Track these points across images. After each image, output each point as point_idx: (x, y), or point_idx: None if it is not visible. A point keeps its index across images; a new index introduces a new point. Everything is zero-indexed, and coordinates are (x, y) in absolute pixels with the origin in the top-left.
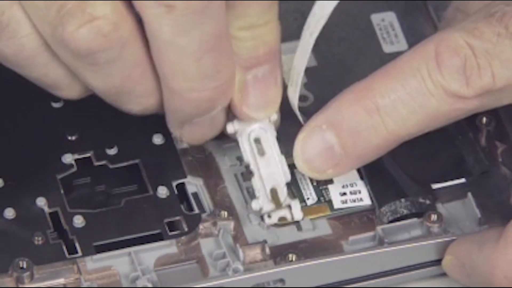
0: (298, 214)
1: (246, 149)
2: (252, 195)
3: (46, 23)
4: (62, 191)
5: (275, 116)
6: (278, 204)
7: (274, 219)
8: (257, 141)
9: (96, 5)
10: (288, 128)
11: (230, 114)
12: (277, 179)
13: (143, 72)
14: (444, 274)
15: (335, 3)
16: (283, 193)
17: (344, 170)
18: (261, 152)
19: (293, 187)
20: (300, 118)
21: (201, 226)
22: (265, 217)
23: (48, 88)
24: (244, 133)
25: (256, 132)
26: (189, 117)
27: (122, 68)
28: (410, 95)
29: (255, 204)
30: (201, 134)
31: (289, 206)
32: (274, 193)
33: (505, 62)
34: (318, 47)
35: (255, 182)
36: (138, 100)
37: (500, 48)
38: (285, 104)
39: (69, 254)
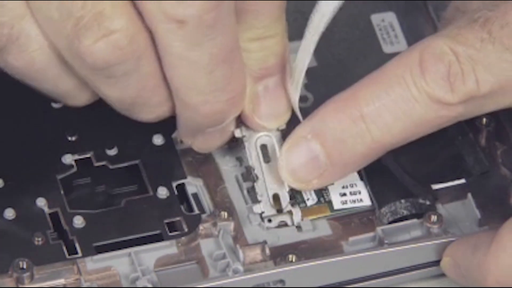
0: (298, 220)
1: (252, 155)
2: (252, 195)
3: (62, 36)
4: (62, 192)
5: (283, 125)
6: (279, 210)
7: (275, 223)
8: (263, 147)
9: (113, 18)
10: (289, 128)
11: (238, 119)
12: (280, 186)
13: (157, 82)
14: (443, 275)
15: (339, 3)
16: (285, 199)
17: (330, 180)
18: (267, 159)
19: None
20: (300, 117)
21: (201, 227)
22: (266, 220)
23: (58, 98)
24: (252, 139)
25: (263, 139)
26: (202, 127)
27: (138, 79)
28: (394, 102)
29: (256, 208)
30: (213, 142)
31: (290, 212)
32: (276, 199)
33: (489, 67)
34: (318, 47)
35: (258, 187)
36: (151, 109)
37: (484, 54)
38: None
39: (69, 254)
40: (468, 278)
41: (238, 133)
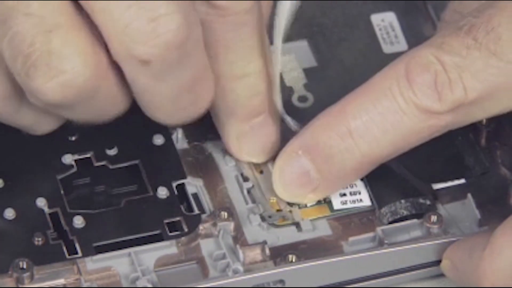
0: (298, 218)
1: (245, 166)
2: (252, 195)
3: (15, 73)
4: (62, 192)
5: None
6: (278, 210)
7: (275, 219)
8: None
9: (64, 57)
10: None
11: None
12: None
13: (120, 99)
14: (443, 275)
15: (294, 2)
16: (282, 202)
17: (325, 194)
18: (260, 170)
19: None
20: (290, 122)
21: (201, 227)
22: (266, 217)
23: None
24: None
25: None
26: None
27: (99, 106)
28: (382, 115)
29: (255, 209)
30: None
31: (290, 212)
32: (274, 204)
33: (476, 74)
34: (318, 47)
35: (255, 192)
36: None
37: (470, 60)
38: (285, 103)
39: (69, 254)
40: (466, 280)
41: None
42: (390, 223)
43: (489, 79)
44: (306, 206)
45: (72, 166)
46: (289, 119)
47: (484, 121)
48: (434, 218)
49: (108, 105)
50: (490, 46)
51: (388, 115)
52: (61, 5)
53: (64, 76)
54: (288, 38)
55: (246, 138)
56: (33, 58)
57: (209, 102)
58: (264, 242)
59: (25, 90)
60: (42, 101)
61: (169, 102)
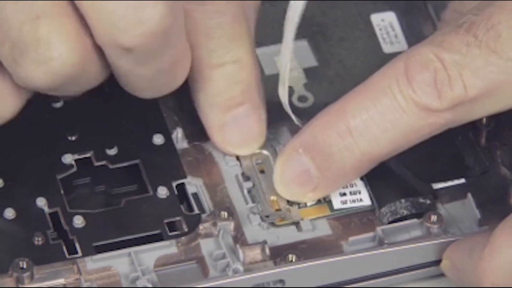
0: (297, 218)
1: (248, 166)
2: (252, 195)
3: (2, 57)
4: (62, 191)
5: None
6: (278, 210)
7: (274, 218)
8: (258, 162)
9: (50, 45)
10: (286, 128)
11: None
12: (276, 192)
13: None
14: (443, 275)
15: (304, 2)
16: (283, 202)
17: (325, 193)
18: (262, 170)
19: None
20: (294, 117)
21: (201, 227)
22: (264, 216)
23: None
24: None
25: (257, 156)
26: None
27: (81, 84)
28: (381, 113)
29: (255, 208)
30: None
31: (288, 211)
32: (274, 202)
33: (476, 72)
34: (318, 47)
35: (256, 191)
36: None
37: (470, 58)
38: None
39: (69, 254)
40: (466, 280)
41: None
42: (390, 222)
43: (489, 76)
44: (306, 205)
45: (72, 166)
46: (293, 116)
47: (484, 120)
48: (434, 217)
49: (91, 82)
50: (490, 44)
51: (387, 113)
52: None
53: (52, 63)
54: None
55: (228, 129)
56: (21, 45)
57: (184, 79)
58: (264, 242)
59: (11, 73)
60: (29, 86)
61: (147, 83)
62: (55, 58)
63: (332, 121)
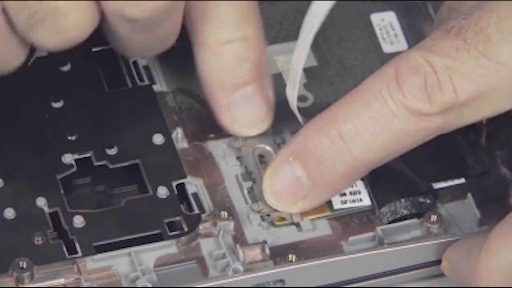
0: (297, 218)
1: (250, 161)
2: (252, 195)
3: (17, 22)
4: (62, 191)
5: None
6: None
7: (273, 217)
8: (261, 156)
9: (67, 15)
10: (288, 128)
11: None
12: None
13: None
14: (443, 274)
15: (332, 2)
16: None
17: (315, 202)
18: (264, 166)
19: None
20: (299, 117)
21: (201, 227)
22: (264, 215)
23: None
24: (250, 149)
25: (260, 150)
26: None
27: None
28: (373, 118)
29: (255, 207)
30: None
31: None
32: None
33: (466, 75)
34: (318, 47)
35: (257, 188)
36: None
37: (460, 61)
38: (285, 104)
39: (69, 254)
40: (464, 281)
41: (236, 144)
42: (390, 222)
43: (479, 80)
44: None
45: (72, 165)
46: (298, 115)
47: (484, 120)
48: (434, 217)
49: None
50: (479, 47)
51: (379, 118)
52: None
53: (68, 33)
54: (288, 37)
55: (237, 108)
56: (40, 15)
57: (174, 40)
58: (264, 242)
59: (23, 35)
60: (40, 47)
61: (142, 46)
62: (71, 28)
63: (323, 127)
